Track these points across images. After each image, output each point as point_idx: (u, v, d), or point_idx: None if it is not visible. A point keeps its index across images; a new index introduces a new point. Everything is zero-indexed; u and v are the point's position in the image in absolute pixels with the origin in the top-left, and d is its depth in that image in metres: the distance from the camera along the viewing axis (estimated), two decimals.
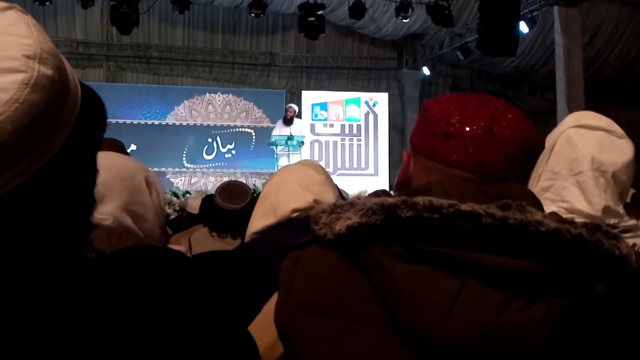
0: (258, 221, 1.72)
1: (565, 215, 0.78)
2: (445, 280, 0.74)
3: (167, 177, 11.10)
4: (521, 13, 8.67)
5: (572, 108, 7.65)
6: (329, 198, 1.75)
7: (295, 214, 1.65)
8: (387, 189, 7.51)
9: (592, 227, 0.75)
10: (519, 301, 0.72)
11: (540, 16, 9.35)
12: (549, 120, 9.15)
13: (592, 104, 8.51)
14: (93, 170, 0.69)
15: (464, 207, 0.74)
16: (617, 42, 10.97)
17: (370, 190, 5.89)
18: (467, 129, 0.86)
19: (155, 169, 9.95)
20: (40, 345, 0.55)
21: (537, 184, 1.36)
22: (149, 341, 0.58)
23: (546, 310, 0.72)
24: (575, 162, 1.33)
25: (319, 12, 9.14)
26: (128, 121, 10.91)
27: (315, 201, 1.67)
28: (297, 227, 1.59)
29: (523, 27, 8.93)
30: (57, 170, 0.59)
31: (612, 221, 1.28)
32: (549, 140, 1.40)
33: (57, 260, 0.61)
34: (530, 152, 0.89)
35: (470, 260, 0.73)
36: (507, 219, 0.74)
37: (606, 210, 1.29)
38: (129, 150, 3.00)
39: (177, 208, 6.74)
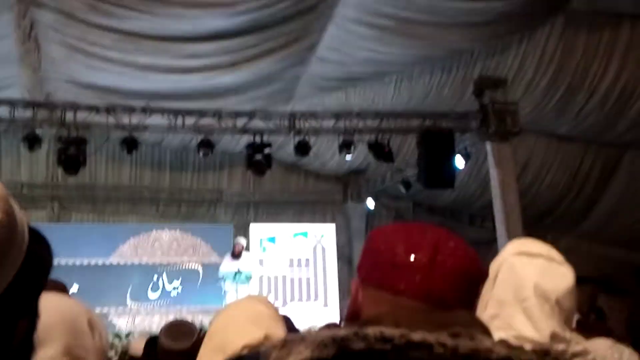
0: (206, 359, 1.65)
1: (514, 343, 0.79)
2: None
3: (110, 318, 10.59)
4: (456, 149, 9.19)
5: (511, 236, 7.90)
6: (279, 333, 1.71)
7: (245, 351, 1.60)
8: (338, 318, 7.36)
9: (541, 352, 0.77)
10: None
11: (474, 151, 9.92)
12: (490, 249, 9.39)
13: (530, 232, 8.83)
14: (35, 314, 0.67)
15: (415, 336, 0.74)
16: (547, 173, 11.65)
17: (321, 321, 5.77)
18: (412, 258, 0.88)
19: (98, 309, 9.51)
20: None
21: (485, 312, 1.38)
22: None
23: None
24: (520, 290, 1.36)
25: (266, 151, 9.43)
26: (70, 262, 10.56)
27: (266, 336, 1.63)
28: None
29: (459, 161, 9.42)
30: None
31: (561, 347, 1.30)
32: (492, 268, 1.44)
33: None
34: (474, 279, 0.92)
35: None
36: (458, 348, 0.74)
37: (554, 336, 1.31)
38: (71, 292, 2.89)
39: (119, 350, 6.38)
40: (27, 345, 0.66)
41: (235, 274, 9.11)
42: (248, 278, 9.32)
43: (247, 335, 1.62)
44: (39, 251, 0.66)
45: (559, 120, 10.12)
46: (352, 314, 0.94)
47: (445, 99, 9.73)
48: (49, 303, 0.88)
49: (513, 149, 9.23)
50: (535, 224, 10.90)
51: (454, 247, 0.91)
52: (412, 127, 9.34)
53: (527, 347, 0.78)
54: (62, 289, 1.97)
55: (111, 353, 7.04)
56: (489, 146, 9.15)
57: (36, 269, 0.64)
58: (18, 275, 0.59)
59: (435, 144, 8.80)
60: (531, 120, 9.64)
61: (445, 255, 0.89)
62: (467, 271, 0.90)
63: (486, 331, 0.84)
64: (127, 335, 9.38)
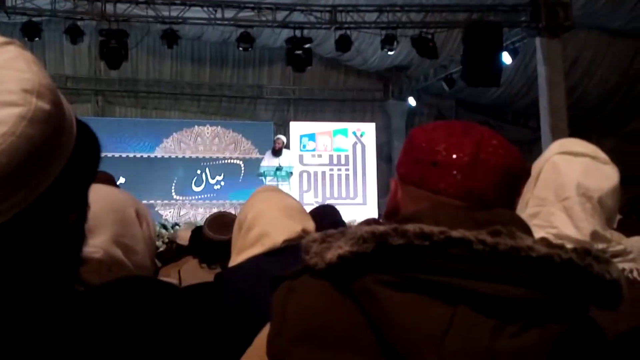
0: (243, 254, 1.69)
1: (554, 241, 0.78)
2: (437, 308, 0.74)
3: (156, 209, 11.05)
4: (504, 44, 8.83)
5: (556, 136, 7.74)
6: (311, 226, 1.74)
7: (285, 244, 1.64)
8: (377, 217, 7.51)
9: (582, 251, 0.76)
10: (511, 328, 0.72)
11: (522, 47, 9.52)
12: (533, 149, 9.24)
13: (575, 132, 8.62)
14: (85, 204, 0.69)
15: (455, 233, 0.74)
16: (596, 71, 11.17)
17: (360, 219, 5.88)
18: (454, 156, 0.87)
19: (144, 202, 9.80)
20: None
21: (525, 211, 1.37)
22: None
23: (540, 336, 0.72)
24: (562, 188, 1.34)
25: (306, 46, 9.25)
26: (117, 154, 10.88)
27: (304, 230, 1.67)
28: (287, 256, 1.59)
29: (506, 57, 9.08)
30: (50, 204, 0.59)
31: (601, 246, 1.29)
32: (535, 167, 1.41)
33: (47, 295, 0.60)
34: (516, 177, 0.90)
35: (461, 287, 0.74)
36: (497, 245, 0.74)
37: (594, 236, 1.30)
38: (118, 184, 2.99)
39: (166, 240, 6.68)
40: (79, 234, 0.68)
41: (276, 170, 9.26)
42: (288, 174, 9.47)
43: (285, 229, 1.66)
44: (87, 143, 0.66)
45: (613, 14, 9.53)
46: (390, 212, 0.95)
47: None
48: (98, 194, 0.91)
49: (563, 45, 8.82)
50: (580, 124, 10.62)
51: (497, 145, 0.89)
52: (458, 20, 8.97)
53: (568, 246, 0.77)
54: (110, 180, 2.03)
55: (158, 242, 7.40)
56: (538, 42, 8.76)
57: (85, 160, 0.65)
58: (68, 166, 0.60)
59: (482, 39, 8.44)
60: (583, 14, 9.12)
61: (488, 154, 0.87)
62: (509, 170, 0.88)
63: (527, 230, 0.83)
64: (173, 226, 9.79)
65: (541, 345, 0.71)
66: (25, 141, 0.54)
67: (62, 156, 0.59)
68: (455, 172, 0.86)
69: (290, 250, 1.61)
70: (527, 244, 0.75)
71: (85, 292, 0.67)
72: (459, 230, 0.75)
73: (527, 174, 0.99)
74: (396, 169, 0.95)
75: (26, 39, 8.93)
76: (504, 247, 0.74)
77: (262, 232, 1.68)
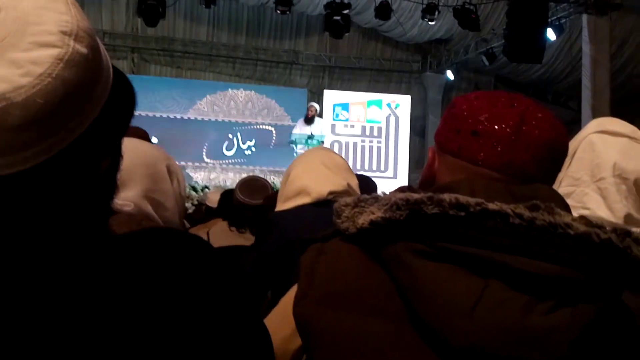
0: (289, 202, 1.73)
1: (595, 221, 0.75)
2: (468, 279, 0.72)
3: (187, 171, 11.15)
4: (549, 20, 8.57)
5: (597, 118, 7.53)
6: (355, 183, 1.79)
7: (331, 197, 1.68)
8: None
9: (622, 232, 0.73)
10: (543, 305, 0.71)
11: (568, 24, 9.25)
12: (572, 130, 8.99)
13: (617, 115, 8.37)
14: (118, 155, 0.68)
15: (492, 206, 0.72)
16: None
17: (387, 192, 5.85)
18: (496, 127, 0.84)
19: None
20: (56, 328, 0.55)
21: (558, 190, 1.33)
22: (162, 327, 0.57)
23: (572, 315, 0.70)
24: (597, 168, 1.30)
25: (345, 11, 9.13)
26: (150, 114, 10.98)
27: (349, 185, 1.70)
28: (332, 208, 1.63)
29: (550, 34, 8.83)
30: (83, 150, 0.59)
31: (635, 230, 1.25)
32: (571, 145, 1.37)
33: (78, 240, 0.60)
34: (559, 153, 0.87)
35: (495, 260, 0.72)
36: (535, 220, 0.72)
37: (628, 219, 1.26)
38: None
39: (195, 202, 6.77)
40: (110, 183, 0.68)
41: (307, 138, 9.24)
42: (320, 143, 9.46)
43: (330, 182, 1.70)
44: (123, 92, 0.66)
45: None
46: (425, 180, 0.93)
47: None
48: (130, 147, 0.91)
49: (611, 25, 8.53)
50: (623, 107, 10.32)
51: (542, 118, 0.86)
52: None
53: (608, 225, 0.75)
54: (144, 136, 2.04)
55: (187, 204, 7.49)
56: (585, 19, 8.49)
57: (120, 109, 0.65)
58: (103, 112, 0.59)
59: (527, 13, 8.18)
60: None
61: (531, 126, 0.84)
62: (553, 145, 0.85)
63: (566, 207, 0.81)
64: (203, 188, 9.89)
65: (572, 325, 0.70)
66: (62, 83, 0.54)
67: (97, 102, 0.59)
68: (495, 143, 0.83)
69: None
70: (565, 221, 0.72)
71: (120, 236, 0.67)
72: (496, 203, 0.73)
73: (568, 150, 0.95)
74: (435, 137, 0.93)
75: None
76: (541, 222, 0.72)
77: (307, 183, 1.73)
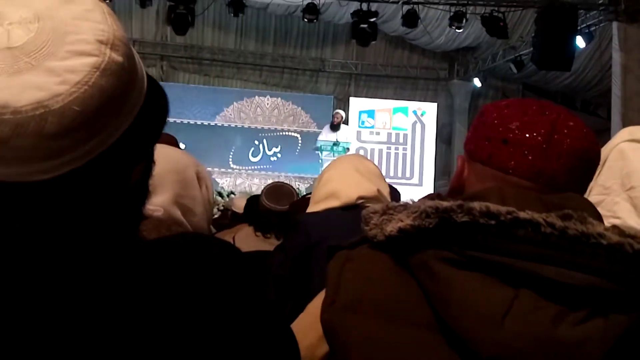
0: (319, 204, 1.75)
1: (629, 231, 0.74)
2: (498, 289, 0.72)
3: (213, 176, 11.24)
4: (579, 27, 8.46)
5: (627, 127, 7.40)
6: (386, 190, 1.79)
7: (360, 201, 1.69)
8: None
9: None
10: (575, 315, 0.70)
11: (598, 32, 9.11)
12: (601, 138, 8.84)
13: None
14: (150, 161, 0.69)
15: (523, 214, 0.72)
16: None
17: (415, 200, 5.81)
18: (527, 135, 0.83)
19: None
20: (85, 333, 0.55)
21: (588, 199, 1.31)
22: (191, 331, 0.58)
23: (604, 327, 0.69)
24: (627, 177, 1.28)
25: (372, 19, 9.13)
26: (178, 120, 11.11)
27: (379, 191, 1.71)
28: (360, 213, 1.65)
29: (580, 42, 8.71)
30: (117, 157, 0.60)
31: None
32: (602, 154, 1.35)
33: (110, 247, 0.61)
34: (590, 162, 0.86)
35: (525, 269, 0.71)
36: (567, 230, 0.71)
37: None
38: None
39: (221, 207, 6.81)
40: (143, 189, 0.69)
41: (333, 144, 9.24)
42: (345, 150, 9.45)
43: (360, 187, 1.71)
44: (157, 99, 0.67)
45: None
46: (455, 189, 0.92)
47: None
48: (161, 153, 0.93)
49: None
50: None
51: (573, 126, 0.85)
52: (531, 0, 8.63)
53: None
54: (172, 141, 2.07)
55: (214, 209, 7.53)
56: (615, 26, 8.34)
57: (153, 116, 0.66)
58: (137, 120, 0.60)
59: (556, 21, 8.08)
60: None
61: (563, 135, 0.83)
62: (584, 154, 0.84)
63: (598, 217, 0.79)
64: (229, 194, 9.95)
65: (605, 336, 0.68)
66: (98, 91, 0.55)
67: (132, 109, 0.60)
68: (526, 151, 0.83)
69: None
70: (597, 231, 0.71)
71: (149, 242, 0.67)
72: (527, 212, 0.72)
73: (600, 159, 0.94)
74: (464, 146, 0.92)
75: None
76: (573, 232, 0.71)
77: (338, 187, 1.75)
